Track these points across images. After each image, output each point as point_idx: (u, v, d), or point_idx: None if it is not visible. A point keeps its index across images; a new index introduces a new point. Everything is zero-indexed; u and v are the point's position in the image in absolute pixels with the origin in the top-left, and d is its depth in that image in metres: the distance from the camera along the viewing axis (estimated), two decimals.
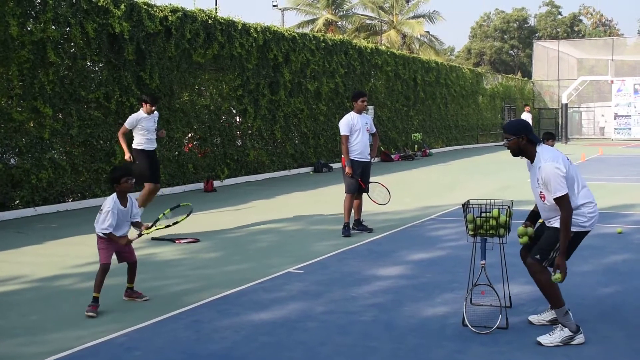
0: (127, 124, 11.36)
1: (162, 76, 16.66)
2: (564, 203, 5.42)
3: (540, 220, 5.90)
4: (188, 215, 7.60)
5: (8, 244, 10.44)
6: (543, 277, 5.55)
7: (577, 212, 5.54)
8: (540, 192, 5.61)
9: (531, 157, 5.66)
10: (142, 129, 11.30)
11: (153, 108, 11.34)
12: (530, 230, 5.89)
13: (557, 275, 5.42)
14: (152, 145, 11.47)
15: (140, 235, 7.08)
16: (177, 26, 17.00)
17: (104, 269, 6.72)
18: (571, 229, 5.49)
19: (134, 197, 7.19)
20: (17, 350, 5.60)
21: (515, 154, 5.74)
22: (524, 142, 5.64)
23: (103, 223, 6.69)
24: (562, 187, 5.42)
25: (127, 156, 11.36)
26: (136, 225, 7.05)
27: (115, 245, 6.83)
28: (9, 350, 5.60)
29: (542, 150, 5.61)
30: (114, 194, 6.82)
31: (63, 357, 5.39)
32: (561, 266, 5.40)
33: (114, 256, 6.92)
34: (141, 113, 11.33)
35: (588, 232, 5.68)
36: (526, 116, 33.84)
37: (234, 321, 6.25)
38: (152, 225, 7.12)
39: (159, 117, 11.88)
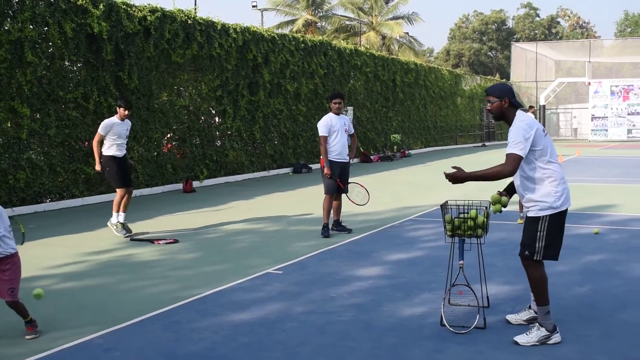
0: (101, 130, 10.84)
1: (140, 76, 16.59)
2: (509, 160, 5.36)
3: (522, 215, 5.89)
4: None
5: None
6: (536, 272, 5.55)
7: (545, 191, 5.46)
8: None
9: (510, 121, 5.60)
10: (114, 134, 10.83)
11: (126, 113, 10.90)
12: (504, 199, 5.82)
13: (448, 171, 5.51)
14: (122, 152, 11.00)
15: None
16: (156, 26, 16.95)
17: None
18: (544, 213, 5.45)
19: None
20: None
21: (497, 117, 5.70)
22: (506, 105, 5.60)
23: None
24: (519, 148, 5.36)
25: (98, 167, 10.90)
26: None
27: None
28: None
29: (520, 114, 5.59)
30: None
31: (41, 358, 5.36)
32: (455, 173, 5.48)
33: None
34: (114, 119, 10.90)
35: (564, 211, 5.54)
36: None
37: (213, 322, 6.25)
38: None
39: (130, 125, 11.33)
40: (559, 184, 5.51)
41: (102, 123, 10.91)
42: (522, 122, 5.46)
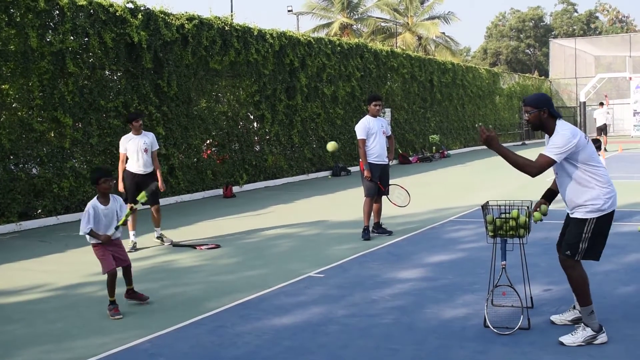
0: (121, 149, 10.70)
1: (179, 84, 16.78)
2: (541, 162, 5.36)
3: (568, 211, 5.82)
4: (149, 192, 8.14)
5: (32, 252, 10.57)
6: (575, 273, 5.51)
7: (593, 194, 5.43)
8: (556, 172, 5.58)
9: (550, 131, 5.55)
10: (130, 151, 10.56)
11: (137, 124, 10.54)
12: (544, 207, 5.84)
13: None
14: (141, 169, 10.57)
15: (117, 228, 7.10)
16: (194, 34, 17.12)
17: (111, 275, 6.96)
18: (592, 215, 5.43)
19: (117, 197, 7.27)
20: (43, 357, 5.68)
21: (535, 127, 5.64)
22: (545, 116, 5.55)
23: (82, 224, 6.90)
24: (555, 153, 5.34)
25: (120, 187, 10.65)
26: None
27: (110, 250, 7.02)
28: (36, 357, 5.68)
29: (562, 123, 5.55)
30: (95, 197, 7.05)
31: None
32: (489, 138, 5.41)
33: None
34: (129, 135, 10.66)
35: (611, 214, 5.53)
36: (600, 111, 31.97)
37: (256, 326, 6.29)
38: (124, 216, 7.21)
39: (151, 138, 10.80)
40: (607, 187, 5.49)
41: (120, 142, 10.80)
42: (567, 131, 5.43)
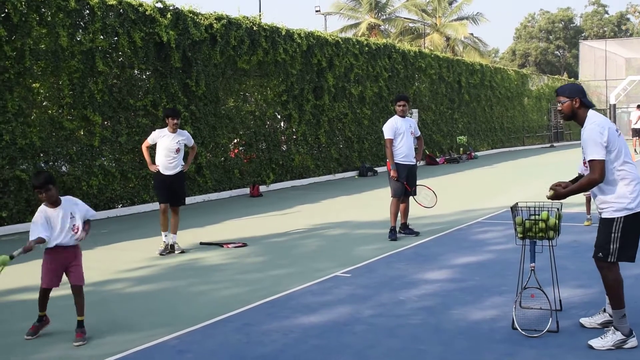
0: (149, 138, 10.33)
1: (207, 83, 16.86)
2: (594, 167, 5.30)
3: (589, 217, 5.79)
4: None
5: None
6: (611, 275, 5.44)
7: (619, 193, 5.37)
8: (584, 158, 5.55)
9: (581, 120, 5.53)
10: (162, 147, 10.11)
11: (175, 122, 10.07)
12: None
13: (549, 193, 5.54)
14: (170, 170, 10.12)
15: (12, 257, 5.74)
16: (222, 33, 17.19)
17: (43, 293, 6.23)
18: (619, 214, 5.37)
19: (72, 198, 6.42)
20: (73, 352, 5.73)
21: (567, 117, 5.63)
22: (577, 105, 5.53)
23: (31, 233, 6.01)
24: (597, 152, 5.30)
25: (152, 167, 10.20)
26: (86, 223, 6.34)
27: (58, 263, 6.19)
28: (66, 352, 5.74)
29: (592, 114, 5.51)
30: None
31: (117, 359, 5.50)
32: (558, 190, 5.48)
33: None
34: (164, 130, 10.19)
35: (638, 213, 5.42)
36: (637, 114, 32.11)
37: (283, 324, 6.30)
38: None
39: (188, 137, 10.46)
40: (634, 184, 5.40)
41: (152, 132, 10.46)
42: (594, 124, 5.38)
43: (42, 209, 6.13)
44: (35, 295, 6.31)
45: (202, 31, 16.50)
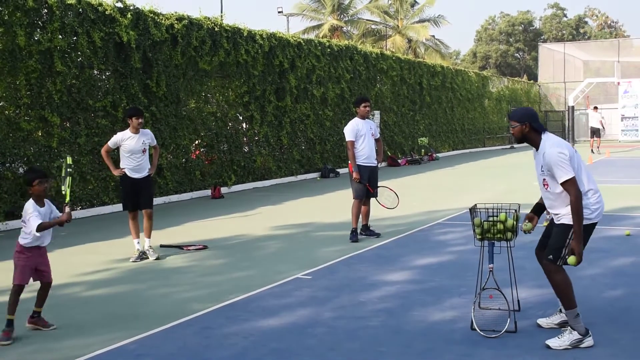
0: (110, 142, 9.83)
1: (168, 84, 16.73)
2: (571, 187, 5.38)
3: (548, 217, 5.87)
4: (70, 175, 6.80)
5: None
6: (558, 277, 5.54)
7: (583, 204, 5.46)
8: (544, 179, 5.61)
9: (536, 144, 5.66)
10: (126, 150, 9.67)
11: (140, 121, 9.69)
12: (529, 226, 5.94)
13: (571, 258, 5.38)
14: (138, 173, 9.74)
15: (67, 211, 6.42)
16: (183, 34, 17.08)
17: (18, 290, 6.31)
18: None
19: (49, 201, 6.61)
20: (29, 357, 5.64)
21: (519, 141, 5.77)
22: (527, 130, 5.64)
23: (34, 222, 6.19)
24: (568, 171, 5.39)
25: (117, 172, 9.78)
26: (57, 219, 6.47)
27: (33, 261, 6.37)
28: (23, 358, 5.64)
29: (547, 137, 5.62)
30: (30, 199, 6.39)
31: None
32: (576, 249, 5.36)
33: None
34: (126, 132, 9.74)
35: (595, 224, 5.62)
36: (594, 116, 33.39)
37: (243, 327, 6.28)
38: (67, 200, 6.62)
39: (152, 137, 10.03)
40: (597, 196, 5.59)
41: (114, 136, 9.98)
42: (553, 147, 5.50)
43: (34, 205, 6.34)
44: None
45: (163, 31, 16.37)
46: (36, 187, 6.39)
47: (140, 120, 9.75)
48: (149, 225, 9.77)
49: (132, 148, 9.68)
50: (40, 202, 6.43)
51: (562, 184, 5.43)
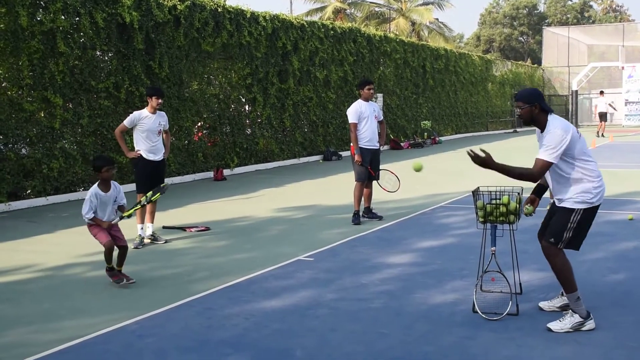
0: (126, 121, 9.48)
1: (171, 65, 16.68)
2: (539, 166, 5.38)
3: (551, 200, 5.85)
4: (162, 193, 8.28)
5: (20, 233, 10.53)
6: (558, 260, 5.53)
7: (584, 188, 5.47)
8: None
9: (542, 125, 5.57)
10: (142, 130, 9.41)
11: (160, 101, 9.44)
12: (530, 209, 5.89)
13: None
14: (156, 155, 9.54)
15: (121, 218, 7.35)
16: (186, 15, 17.01)
17: (109, 247, 7.12)
18: (579, 206, 5.47)
19: (117, 184, 7.55)
20: (31, 337, 5.66)
21: (527, 122, 5.70)
22: (537, 111, 5.56)
23: (84, 210, 7.17)
24: (549, 154, 5.36)
25: (131, 154, 9.52)
26: (120, 209, 7.42)
27: (106, 231, 7.23)
28: (24, 337, 5.66)
29: (553, 118, 5.56)
30: (96, 184, 7.27)
31: (76, 344, 5.43)
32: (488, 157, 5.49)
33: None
34: (144, 111, 9.47)
35: (597, 207, 5.59)
36: (601, 100, 34.37)
37: (244, 308, 6.29)
38: (131, 209, 7.62)
39: (166, 119, 9.80)
40: (598, 181, 5.54)
41: (131, 115, 9.64)
42: (558, 129, 5.43)
43: (95, 193, 7.19)
44: None
45: (165, 12, 16.30)
46: (105, 174, 7.21)
47: (160, 101, 9.49)
48: (153, 209, 9.67)
49: (149, 127, 9.42)
50: (106, 186, 7.24)
51: (537, 159, 5.40)
